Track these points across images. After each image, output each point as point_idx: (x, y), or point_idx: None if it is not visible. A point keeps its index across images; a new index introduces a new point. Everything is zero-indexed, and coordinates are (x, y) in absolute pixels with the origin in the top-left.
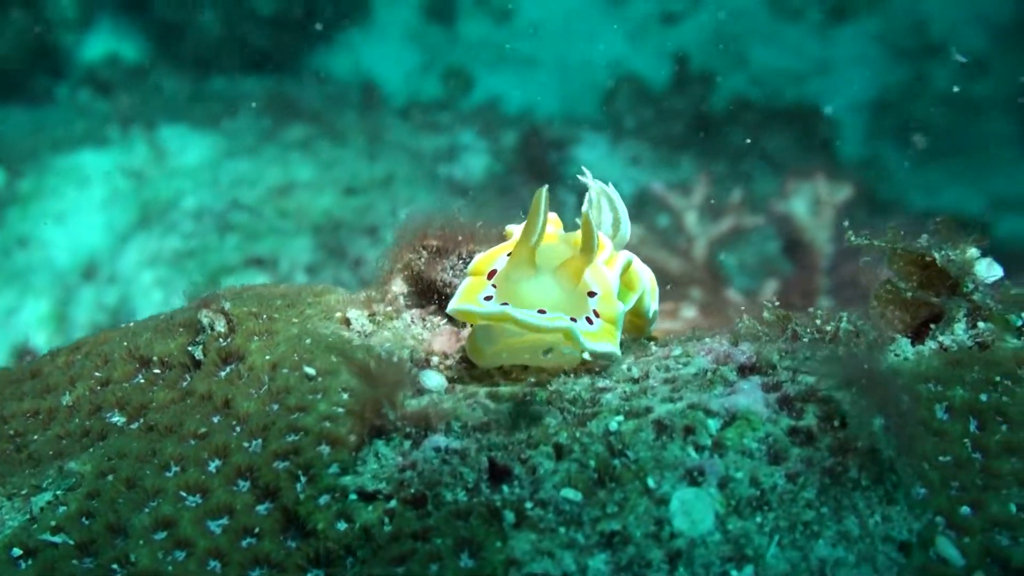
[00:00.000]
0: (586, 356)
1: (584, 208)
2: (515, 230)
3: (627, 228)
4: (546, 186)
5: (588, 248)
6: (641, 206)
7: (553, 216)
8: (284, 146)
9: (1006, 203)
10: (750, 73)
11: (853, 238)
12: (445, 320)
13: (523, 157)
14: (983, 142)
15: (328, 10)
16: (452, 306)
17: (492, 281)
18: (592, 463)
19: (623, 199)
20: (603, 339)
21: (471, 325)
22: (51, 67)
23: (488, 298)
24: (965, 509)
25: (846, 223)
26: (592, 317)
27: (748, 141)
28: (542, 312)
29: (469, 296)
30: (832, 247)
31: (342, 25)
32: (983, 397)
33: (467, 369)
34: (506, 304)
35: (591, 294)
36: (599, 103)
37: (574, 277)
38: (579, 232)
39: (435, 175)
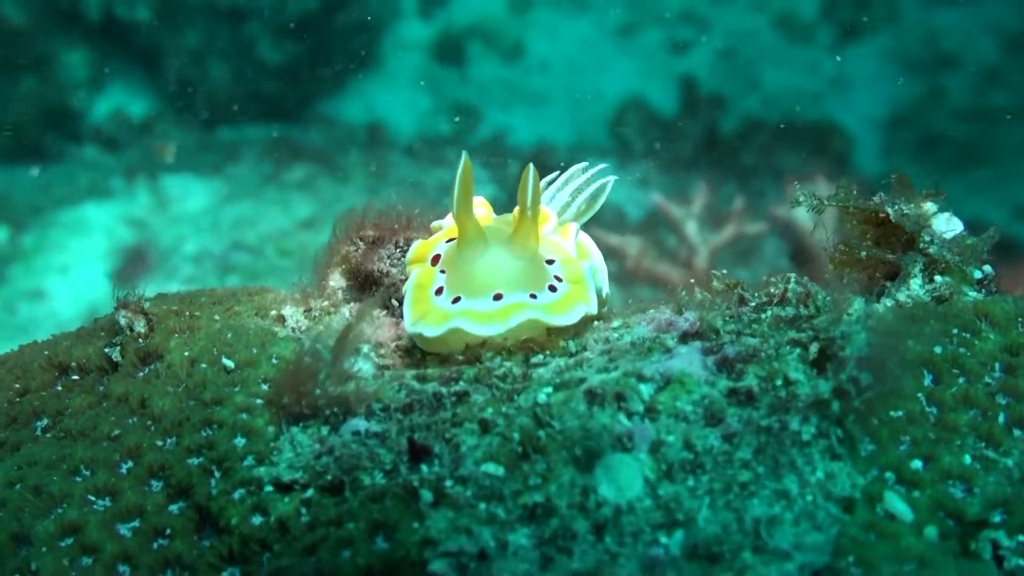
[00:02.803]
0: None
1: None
2: (442, 224)
3: (578, 214)
4: (465, 152)
5: (524, 204)
6: (651, 226)
7: (480, 199)
8: (285, 186)
9: None
10: (763, 95)
11: (801, 198)
12: (384, 312)
13: None
14: (1002, 152)
15: (338, 58)
16: (407, 327)
17: (440, 266)
18: (516, 436)
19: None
20: (572, 304)
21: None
22: (62, 129)
23: (439, 291)
24: (916, 463)
25: (796, 184)
26: (555, 284)
27: (760, 159)
28: (498, 297)
29: (420, 298)
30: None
31: (352, 72)
32: (938, 349)
33: (401, 357)
34: (457, 301)
35: (549, 262)
36: (608, 130)
37: (527, 243)
38: (515, 211)
39: (439, 209)
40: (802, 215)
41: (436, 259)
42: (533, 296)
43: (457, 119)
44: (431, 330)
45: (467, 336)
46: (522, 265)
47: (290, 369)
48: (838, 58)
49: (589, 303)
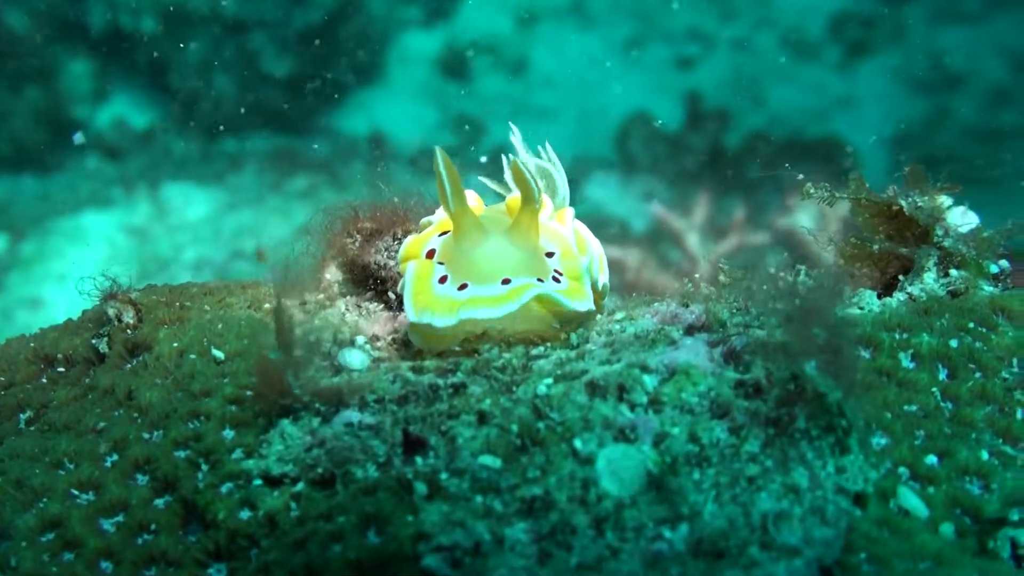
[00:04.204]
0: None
1: (512, 159)
2: (432, 219)
3: (565, 191)
4: (438, 147)
5: (529, 196)
6: (653, 238)
7: (471, 193)
8: (287, 196)
9: None
10: (769, 112)
11: (812, 191)
12: (381, 306)
13: None
14: (1008, 172)
15: (342, 70)
16: (411, 317)
17: (437, 259)
18: (515, 427)
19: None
20: (578, 297)
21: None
22: (66, 141)
23: (443, 279)
24: (931, 458)
25: (800, 176)
26: (558, 276)
27: (764, 174)
28: (506, 282)
29: (422, 290)
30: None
31: (356, 84)
32: (953, 343)
33: (398, 350)
34: (464, 288)
35: (549, 255)
36: (613, 144)
37: (528, 233)
38: (508, 200)
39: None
40: (804, 224)
41: (431, 254)
42: (540, 280)
43: (466, 127)
44: (441, 320)
45: (478, 324)
46: (525, 255)
47: (258, 371)
48: (844, 83)
49: (590, 302)
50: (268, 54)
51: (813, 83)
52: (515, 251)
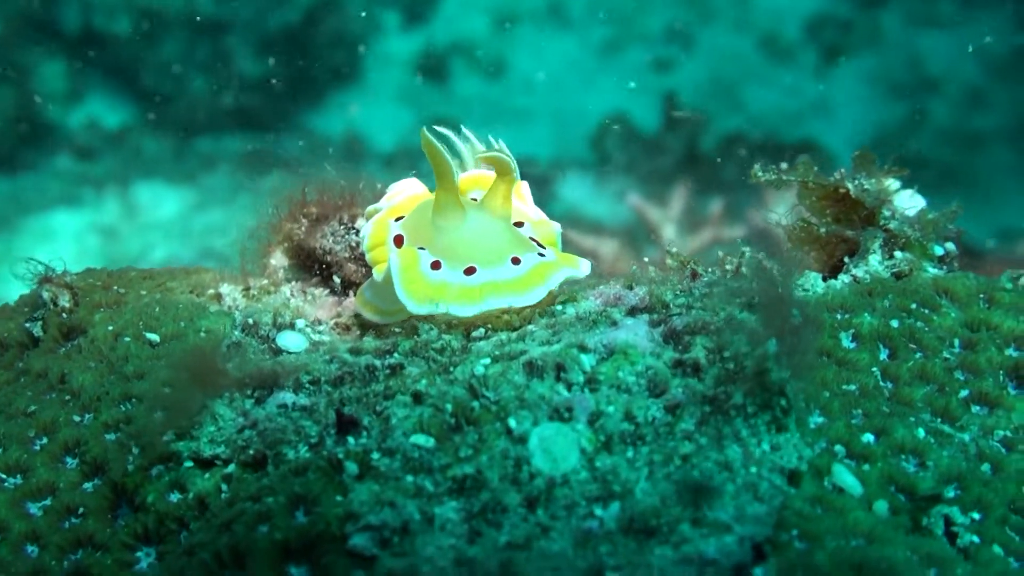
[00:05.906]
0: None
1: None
2: (380, 206)
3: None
4: (424, 127)
5: (504, 168)
6: (629, 234)
7: (413, 180)
8: (259, 194)
9: (1013, 235)
10: (745, 114)
11: (760, 173)
12: (327, 291)
13: None
14: (984, 175)
15: (318, 72)
16: (415, 309)
17: (413, 245)
18: (449, 407)
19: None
20: (573, 264)
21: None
22: (38, 141)
23: (435, 265)
24: (868, 436)
25: (758, 165)
26: (540, 247)
27: (740, 175)
28: (516, 261)
29: (414, 279)
30: None
31: (332, 86)
32: (894, 324)
33: (340, 334)
34: (473, 271)
35: (518, 224)
36: (590, 146)
37: (505, 205)
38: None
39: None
40: (778, 218)
41: (399, 240)
42: (541, 255)
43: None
44: (462, 309)
45: (506, 310)
46: (505, 227)
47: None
48: (821, 87)
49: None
50: (243, 54)
51: (789, 85)
52: (497, 225)
